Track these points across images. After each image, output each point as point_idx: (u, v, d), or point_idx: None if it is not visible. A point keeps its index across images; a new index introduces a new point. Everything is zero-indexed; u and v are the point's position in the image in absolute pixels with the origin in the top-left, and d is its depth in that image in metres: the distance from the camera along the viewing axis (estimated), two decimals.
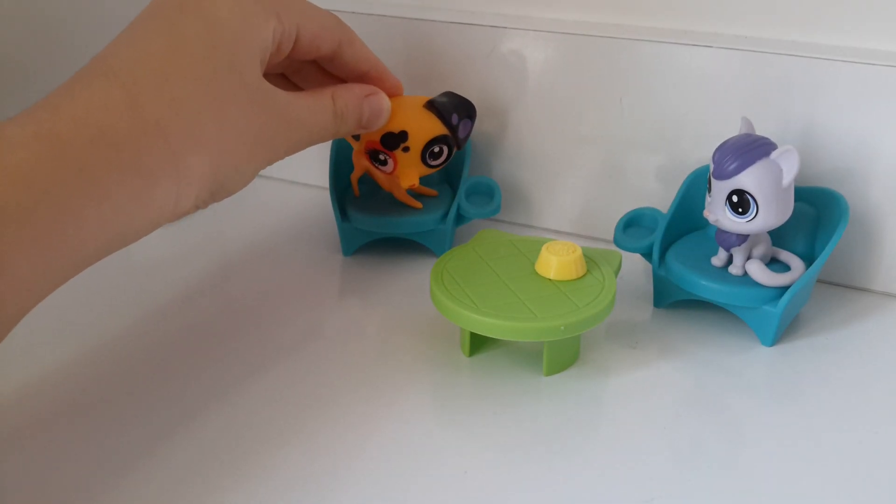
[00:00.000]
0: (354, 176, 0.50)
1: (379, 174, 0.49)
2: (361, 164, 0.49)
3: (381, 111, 0.44)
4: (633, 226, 0.48)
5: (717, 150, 0.42)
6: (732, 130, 0.44)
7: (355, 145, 0.49)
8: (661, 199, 0.50)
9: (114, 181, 0.32)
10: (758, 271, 0.43)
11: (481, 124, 0.54)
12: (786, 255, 0.45)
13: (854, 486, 0.35)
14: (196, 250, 0.52)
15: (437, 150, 0.47)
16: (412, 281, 0.49)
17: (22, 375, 0.40)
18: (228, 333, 0.44)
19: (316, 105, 0.40)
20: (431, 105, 0.47)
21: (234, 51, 0.36)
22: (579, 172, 0.53)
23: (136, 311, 0.46)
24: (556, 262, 0.42)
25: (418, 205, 0.51)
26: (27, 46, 0.68)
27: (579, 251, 0.42)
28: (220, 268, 0.51)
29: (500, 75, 0.53)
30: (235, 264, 0.51)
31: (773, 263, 0.45)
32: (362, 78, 0.44)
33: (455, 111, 0.47)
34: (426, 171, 0.48)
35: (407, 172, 0.47)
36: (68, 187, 0.30)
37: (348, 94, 0.42)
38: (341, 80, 0.44)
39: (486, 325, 0.39)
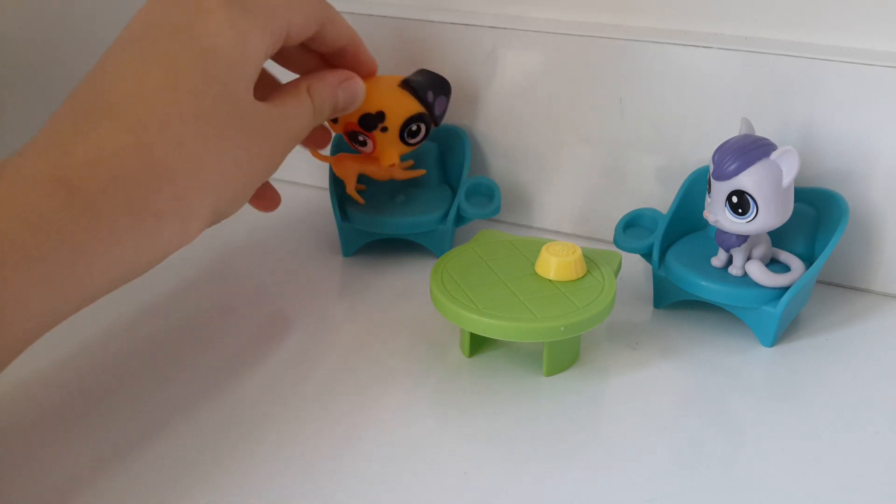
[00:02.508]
0: (350, 188, 0.50)
1: (372, 168, 0.49)
2: (350, 171, 0.49)
3: (355, 96, 0.44)
4: (633, 226, 0.48)
5: (717, 150, 0.42)
6: (732, 131, 0.44)
7: (334, 128, 0.48)
8: (661, 199, 0.50)
9: (125, 225, 0.33)
10: (758, 272, 0.43)
11: (481, 124, 0.54)
12: (786, 256, 0.45)
13: (854, 486, 0.35)
14: (195, 250, 0.52)
15: (414, 128, 0.47)
16: (412, 281, 0.49)
17: (16, 371, 0.40)
18: (228, 334, 0.44)
19: (298, 109, 0.40)
20: (406, 84, 0.47)
21: (229, 79, 0.36)
22: (579, 173, 0.53)
23: (135, 311, 0.46)
24: (556, 262, 0.42)
25: (422, 171, 0.51)
26: (26, 48, 0.68)
27: (579, 252, 0.42)
28: (220, 267, 0.51)
29: (499, 76, 0.53)
30: (235, 264, 0.51)
31: (773, 264, 0.45)
32: (340, 53, 0.43)
33: (430, 88, 0.48)
34: (405, 149, 0.48)
35: (387, 152, 0.48)
36: (82, 231, 0.31)
37: (323, 86, 0.42)
38: (318, 54, 0.44)
39: (486, 325, 0.39)
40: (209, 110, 0.35)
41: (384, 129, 0.47)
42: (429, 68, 0.49)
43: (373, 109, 0.46)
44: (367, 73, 0.45)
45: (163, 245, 0.35)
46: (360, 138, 0.47)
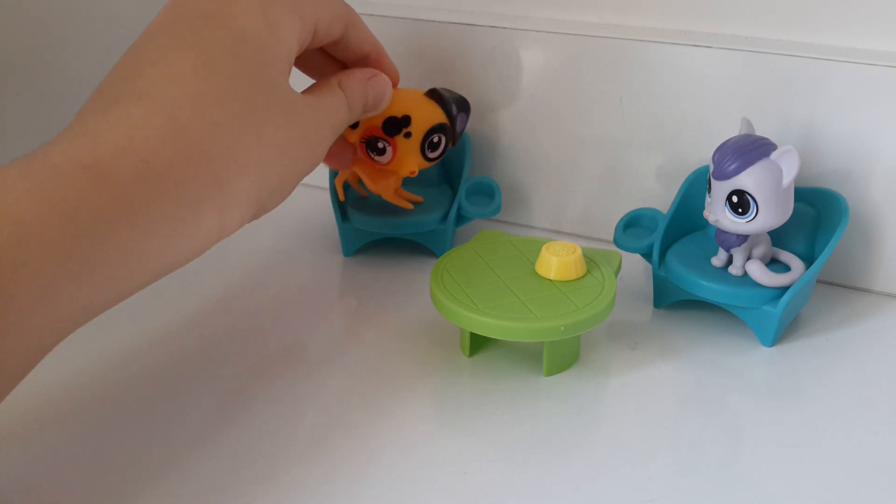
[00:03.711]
0: (339, 179, 0.50)
1: (368, 176, 0.49)
2: (352, 170, 0.49)
3: (383, 93, 0.43)
4: (633, 226, 0.48)
5: (717, 150, 0.42)
6: (732, 130, 0.44)
7: (350, 136, 0.48)
8: (661, 199, 0.50)
9: (160, 214, 0.31)
10: (758, 272, 0.43)
11: (481, 124, 0.54)
12: (786, 256, 0.45)
13: (854, 486, 0.35)
14: None
15: (436, 139, 0.47)
16: (412, 281, 0.49)
17: (26, 383, 0.40)
18: (228, 333, 0.44)
19: (333, 102, 0.39)
20: (434, 93, 0.47)
21: (264, 64, 0.35)
22: (579, 172, 0.53)
23: (134, 310, 0.46)
24: (556, 262, 0.42)
25: (409, 206, 0.50)
26: (26, 45, 0.68)
27: (579, 251, 0.42)
28: (220, 268, 0.51)
29: (500, 75, 0.53)
30: (235, 264, 0.51)
31: (773, 264, 0.45)
32: (363, 60, 0.43)
33: (455, 103, 0.47)
34: (424, 163, 0.47)
35: (406, 161, 0.47)
36: (114, 222, 0.30)
37: (353, 81, 0.41)
38: (340, 62, 0.43)
39: (486, 325, 0.39)
40: (245, 92, 0.34)
41: (408, 135, 0.46)
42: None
43: (399, 113, 0.45)
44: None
45: (201, 236, 0.33)
46: (380, 145, 0.46)
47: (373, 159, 0.47)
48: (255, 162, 0.34)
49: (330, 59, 0.43)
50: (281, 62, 0.36)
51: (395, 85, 0.45)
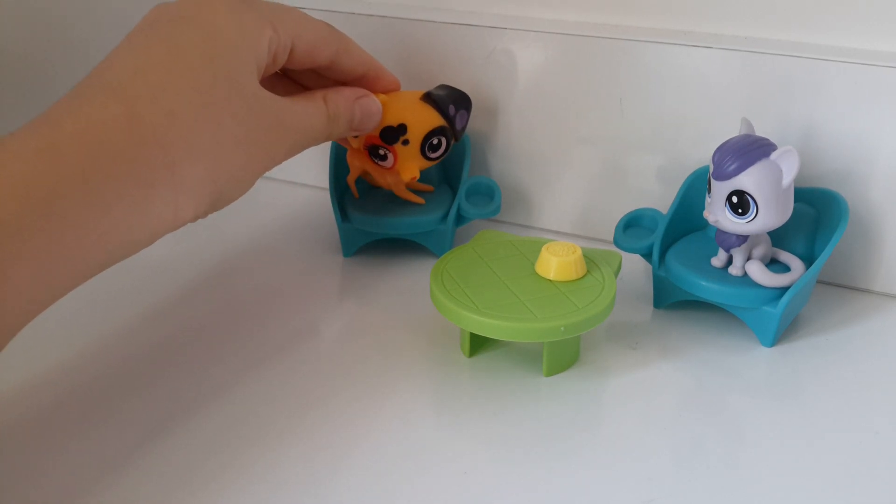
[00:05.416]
0: (351, 178, 0.51)
1: (377, 173, 0.49)
2: (356, 164, 0.50)
3: (371, 113, 0.44)
4: (633, 226, 0.48)
5: (717, 150, 0.42)
6: (732, 131, 0.44)
7: (353, 143, 0.49)
8: (661, 199, 0.50)
9: (114, 193, 0.32)
10: (758, 272, 0.43)
11: (481, 125, 0.54)
12: (786, 256, 0.45)
13: (854, 486, 0.35)
14: (196, 250, 0.52)
15: (435, 141, 0.47)
16: (412, 281, 0.49)
17: (22, 373, 0.40)
18: (228, 333, 0.44)
19: (310, 108, 0.40)
20: (428, 97, 0.47)
21: (231, 60, 0.36)
22: (579, 173, 0.53)
23: (136, 310, 0.46)
24: (556, 262, 0.42)
25: (420, 200, 0.51)
26: (28, 46, 0.68)
27: (579, 252, 0.42)
28: (221, 268, 0.51)
29: (500, 76, 0.53)
30: (235, 264, 0.51)
31: (773, 264, 0.45)
32: (359, 80, 0.44)
33: (452, 102, 0.47)
34: (426, 163, 0.48)
35: (407, 166, 0.47)
36: (69, 200, 0.31)
37: (340, 98, 0.42)
38: (340, 83, 0.44)
39: (486, 325, 0.39)
40: (207, 85, 0.35)
41: (405, 143, 0.46)
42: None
43: (394, 122, 0.46)
44: (388, 93, 0.46)
45: (155, 218, 0.34)
46: (381, 152, 0.47)
47: (377, 164, 0.48)
48: (210, 150, 0.35)
49: (328, 80, 0.44)
50: (248, 61, 0.37)
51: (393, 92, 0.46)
